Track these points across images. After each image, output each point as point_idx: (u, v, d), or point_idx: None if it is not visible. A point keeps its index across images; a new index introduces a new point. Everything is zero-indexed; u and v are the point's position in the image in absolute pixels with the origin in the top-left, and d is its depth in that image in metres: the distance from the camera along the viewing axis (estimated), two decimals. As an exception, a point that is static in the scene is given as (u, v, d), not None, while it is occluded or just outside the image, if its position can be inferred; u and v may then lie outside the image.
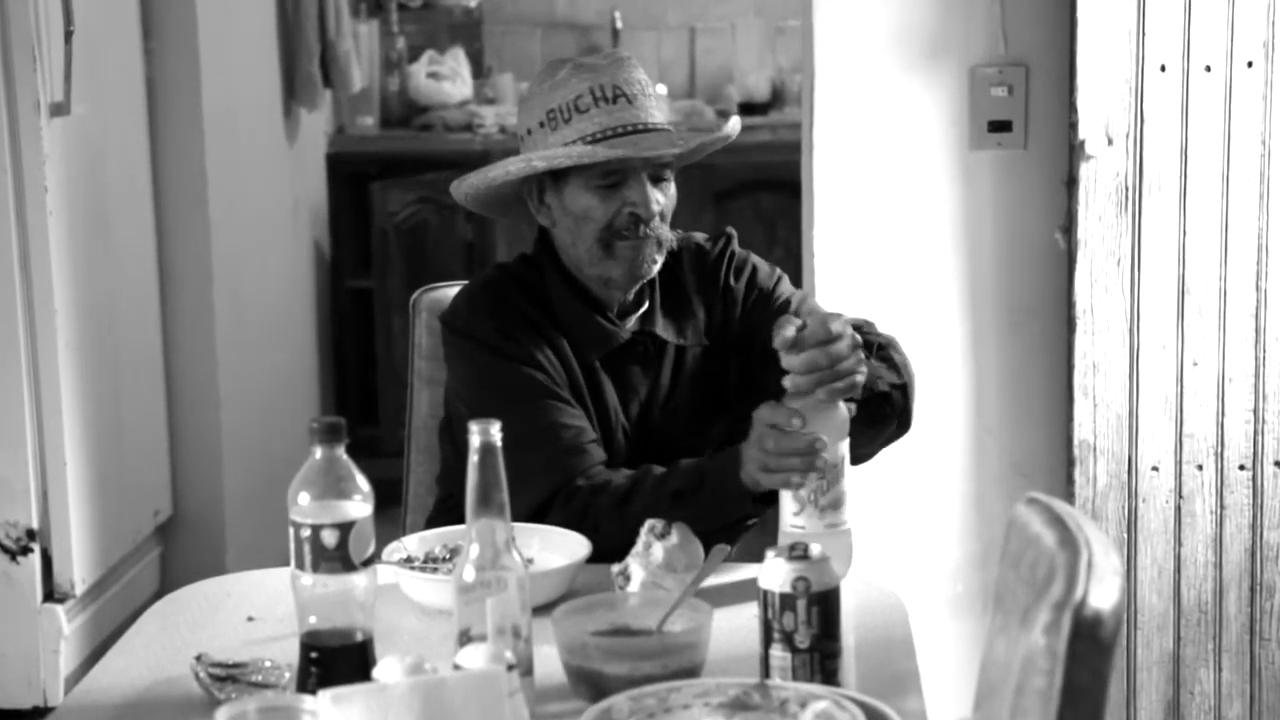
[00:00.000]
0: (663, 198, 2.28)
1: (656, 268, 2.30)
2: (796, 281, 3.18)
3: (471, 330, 2.31)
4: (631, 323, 2.34)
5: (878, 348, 2.26)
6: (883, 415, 2.22)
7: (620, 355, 2.32)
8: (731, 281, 2.39)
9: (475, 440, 1.69)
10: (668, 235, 2.29)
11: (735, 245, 2.42)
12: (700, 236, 2.44)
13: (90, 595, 3.54)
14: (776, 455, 1.99)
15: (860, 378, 2.03)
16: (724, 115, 5.66)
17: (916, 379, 2.29)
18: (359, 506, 1.68)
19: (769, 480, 2.03)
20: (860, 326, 2.21)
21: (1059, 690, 1.39)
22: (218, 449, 4.06)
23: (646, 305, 2.35)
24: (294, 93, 4.80)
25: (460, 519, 2.24)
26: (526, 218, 2.37)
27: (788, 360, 2.00)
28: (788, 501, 2.01)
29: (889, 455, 2.77)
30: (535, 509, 2.17)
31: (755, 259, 2.43)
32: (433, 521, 2.42)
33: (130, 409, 3.75)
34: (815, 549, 1.73)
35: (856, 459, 2.23)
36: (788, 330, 2.01)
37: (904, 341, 3.07)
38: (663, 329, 2.34)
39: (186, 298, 3.99)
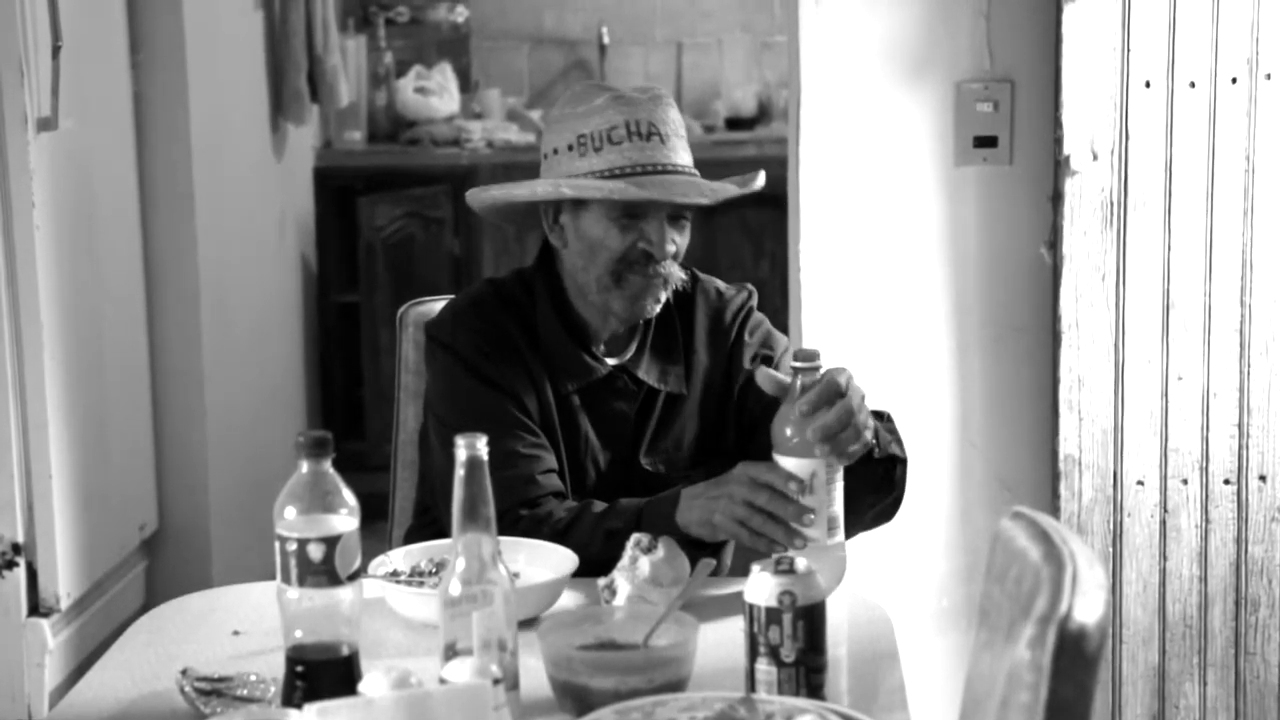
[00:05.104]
0: (679, 238, 2.27)
1: (658, 308, 2.29)
2: (784, 296, 3.19)
3: (451, 344, 2.31)
4: (614, 360, 2.33)
5: (886, 417, 2.26)
6: (889, 482, 2.19)
7: (599, 391, 2.31)
8: (746, 337, 2.38)
9: (461, 454, 1.69)
10: (678, 276, 2.28)
11: (755, 303, 2.42)
12: (720, 283, 2.43)
13: (75, 609, 3.54)
14: (763, 518, 1.99)
15: (869, 434, 2.02)
16: (710, 130, 5.69)
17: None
18: (345, 520, 1.69)
19: (750, 541, 2.02)
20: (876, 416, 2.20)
21: (1044, 704, 1.39)
22: (204, 463, 4.06)
23: (636, 344, 2.35)
24: (281, 107, 4.81)
25: (440, 532, 2.25)
26: (537, 231, 2.37)
27: (794, 421, 1.97)
28: None
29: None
30: None
31: (770, 326, 2.42)
32: (413, 533, 2.41)
33: (116, 423, 3.74)
34: (801, 563, 1.73)
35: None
36: (772, 375, 2.01)
37: (890, 355, 3.09)
38: (645, 371, 2.33)
39: (173, 312, 3.99)
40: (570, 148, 2.26)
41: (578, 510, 2.19)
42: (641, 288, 2.25)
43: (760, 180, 2.34)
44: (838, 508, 1.99)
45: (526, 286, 2.35)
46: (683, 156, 2.27)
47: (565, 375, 2.30)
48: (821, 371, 2.00)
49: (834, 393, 1.98)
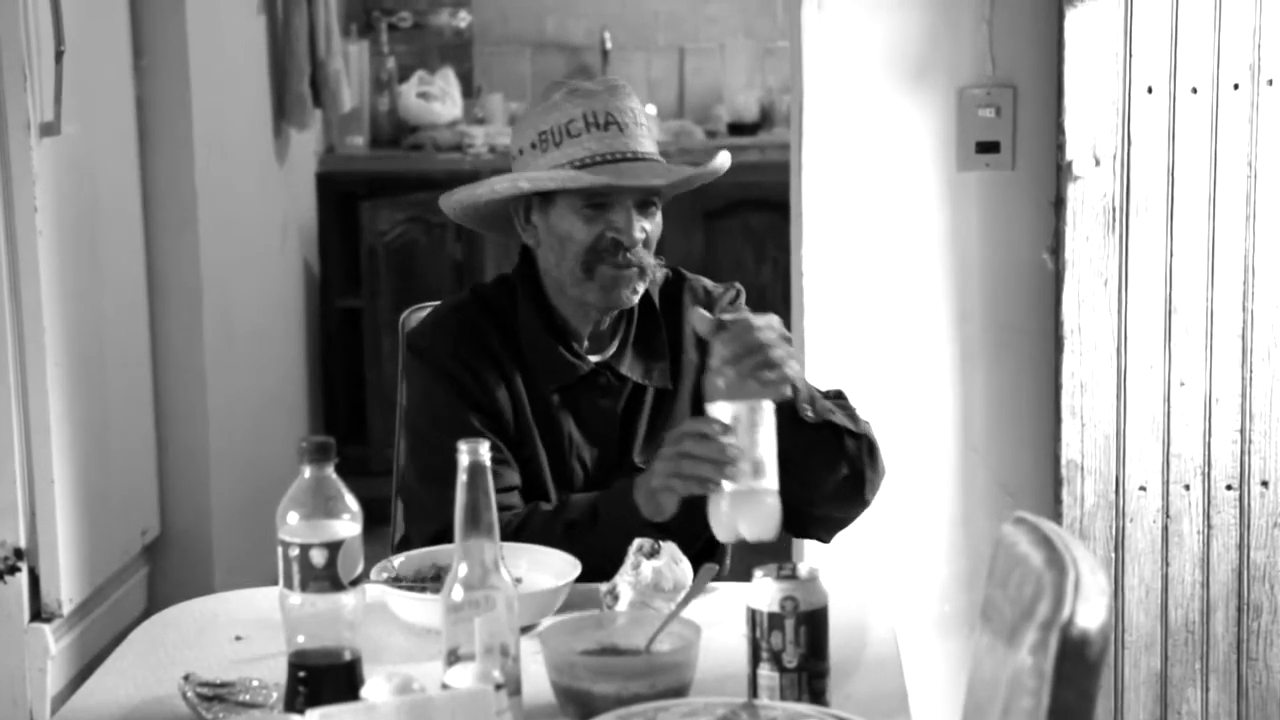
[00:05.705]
0: (648, 225, 2.27)
1: (636, 297, 2.29)
2: (786, 300, 3.19)
3: (429, 353, 2.31)
4: (596, 358, 2.33)
5: (835, 395, 2.26)
6: (840, 454, 2.19)
7: (581, 389, 2.31)
8: None
9: (464, 459, 1.69)
10: (651, 263, 2.27)
11: (742, 301, 2.42)
12: (707, 281, 2.43)
13: (78, 614, 3.54)
14: (691, 461, 1.99)
15: (790, 371, 2.01)
16: (712, 135, 5.69)
17: (881, 450, 2.25)
18: (347, 526, 1.69)
19: (683, 487, 2.03)
20: (828, 394, 2.23)
21: (1046, 710, 1.39)
22: (206, 468, 4.06)
23: (618, 341, 2.35)
24: (284, 112, 4.81)
25: (406, 542, 2.24)
26: (513, 235, 2.38)
27: (716, 353, 1.99)
28: None
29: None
30: (430, 543, 2.16)
31: None
32: (404, 544, 2.39)
33: (119, 428, 3.74)
34: (804, 568, 1.74)
35: (818, 523, 2.23)
36: (706, 315, 2.02)
37: (892, 360, 3.09)
38: (628, 367, 2.33)
39: (176, 317, 3.99)
40: (533, 145, 2.28)
41: (524, 514, 2.20)
42: (614, 277, 2.25)
43: (720, 160, 2.34)
44: (763, 451, 1.97)
45: (508, 290, 2.35)
46: (644, 144, 2.27)
47: (546, 375, 2.30)
48: None
49: (746, 329, 2.00)
